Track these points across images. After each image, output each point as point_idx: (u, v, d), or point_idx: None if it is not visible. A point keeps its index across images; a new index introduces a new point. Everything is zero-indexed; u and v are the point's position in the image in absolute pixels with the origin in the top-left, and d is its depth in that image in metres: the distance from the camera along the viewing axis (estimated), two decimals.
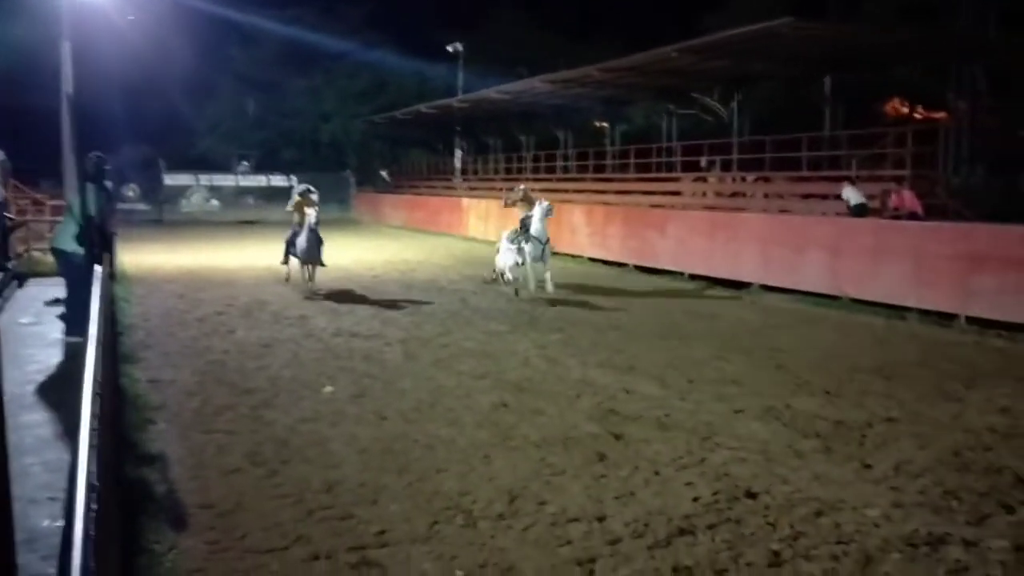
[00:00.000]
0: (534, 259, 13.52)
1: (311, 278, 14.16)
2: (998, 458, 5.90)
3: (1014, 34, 19.73)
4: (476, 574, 4.23)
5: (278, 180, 38.75)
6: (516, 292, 13.87)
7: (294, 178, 38.10)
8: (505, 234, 14.65)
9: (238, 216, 35.99)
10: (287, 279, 14.90)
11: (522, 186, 16.15)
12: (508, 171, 30.52)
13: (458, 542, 4.58)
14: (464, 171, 34.48)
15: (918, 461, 5.84)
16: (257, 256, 20.25)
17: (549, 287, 13.34)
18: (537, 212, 13.80)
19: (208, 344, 9.99)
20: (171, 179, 37.56)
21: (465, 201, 29.10)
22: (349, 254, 20.95)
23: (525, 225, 14.16)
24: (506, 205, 16.28)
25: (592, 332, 10.81)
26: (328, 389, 7.86)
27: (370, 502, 5.12)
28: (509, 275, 14.06)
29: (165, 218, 34.65)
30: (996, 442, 6.27)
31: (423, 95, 34.71)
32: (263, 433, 6.51)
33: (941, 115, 21.04)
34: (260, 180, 38.92)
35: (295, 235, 14.25)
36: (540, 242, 13.57)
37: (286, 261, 14.84)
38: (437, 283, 16.11)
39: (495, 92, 26.11)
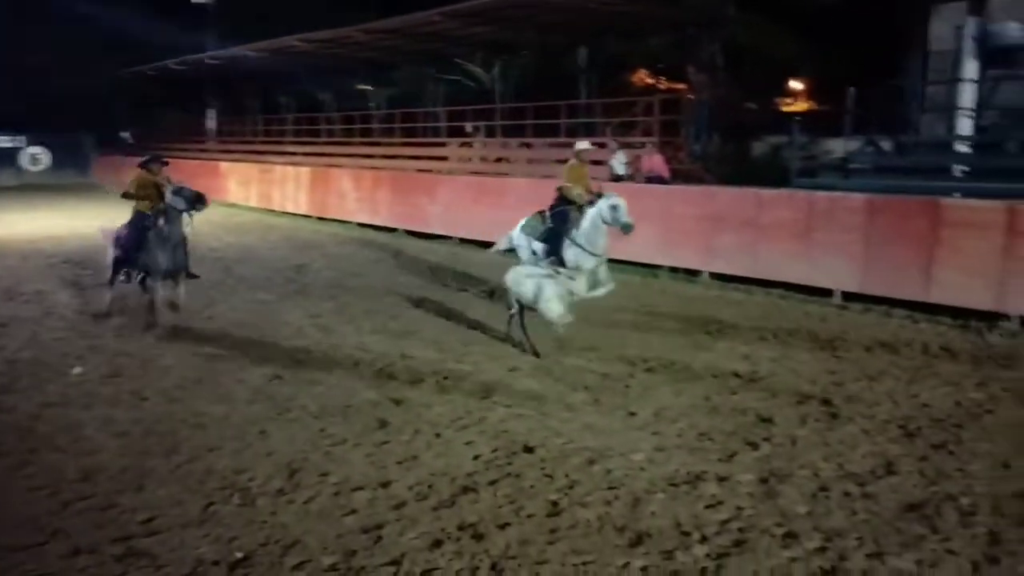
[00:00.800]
0: (591, 287, 8.59)
1: (172, 303, 8.92)
2: (742, 401, 6.53)
3: (748, 12, 21.54)
4: (258, 553, 4.08)
5: (3, 141, 34.71)
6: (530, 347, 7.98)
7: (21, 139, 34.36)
8: (519, 229, 9.84)
9: None
10: (150, 311, 8.92)
11: (585, 144, 10.27)
12: (268, 133, 29.30)
13: (236, 522, 4.39)
14: (220, 132, 32.61)
15: (675, 407, 6.34)
16: None
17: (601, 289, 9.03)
18: (603, 206, 8.80)
19: None
20: None
21: (224, 165, 27.58)
22: (93, 223, 19.21)
23: (564, 211, 9.32)
24: (565, 189, 9.70)
25: (366, 299, 10.68)
26: (77, 370, 7.23)
27: (135, 488, 4.79)
28: (550, 310, 7.69)
29: None
30: (740, 386, 6.93)
31: (171, 50, 32.17)
32: (3, 421, 5.93)
33: (682, 87, 22.62)
34: None
35: (141, 233, 8.77)
36: (594, 255, 8.94)
37: (119, 280, 9.25)
38: (196, 251, 15.13)
39: (250, 50, 24.80)
